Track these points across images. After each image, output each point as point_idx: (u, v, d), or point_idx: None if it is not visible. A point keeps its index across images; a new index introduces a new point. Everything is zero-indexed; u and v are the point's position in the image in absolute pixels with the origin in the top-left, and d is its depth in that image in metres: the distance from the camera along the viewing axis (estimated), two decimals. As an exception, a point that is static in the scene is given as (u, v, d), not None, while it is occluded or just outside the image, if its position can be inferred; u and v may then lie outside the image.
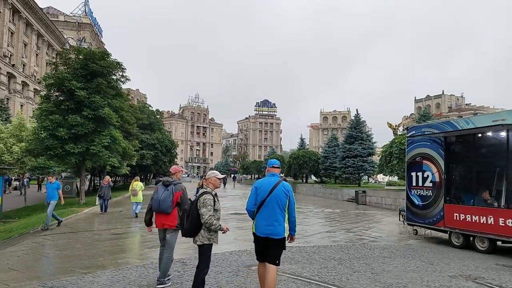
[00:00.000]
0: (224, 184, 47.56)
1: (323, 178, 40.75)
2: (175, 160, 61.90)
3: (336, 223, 14.81)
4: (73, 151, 17.71)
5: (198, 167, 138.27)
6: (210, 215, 4.72)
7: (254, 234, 4.86)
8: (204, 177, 8.12)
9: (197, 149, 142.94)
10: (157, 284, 5.69)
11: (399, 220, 14.63)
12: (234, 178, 66.06)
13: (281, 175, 5.70)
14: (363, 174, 33.36)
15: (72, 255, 8.40)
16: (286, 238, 4.80)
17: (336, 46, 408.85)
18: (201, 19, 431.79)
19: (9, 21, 50.95)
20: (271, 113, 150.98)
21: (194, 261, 7.67)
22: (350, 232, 12.55)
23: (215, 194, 4.91)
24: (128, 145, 23.30)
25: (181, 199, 5.83)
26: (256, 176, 64.92)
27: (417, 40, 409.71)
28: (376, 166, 29.76)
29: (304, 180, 44.32)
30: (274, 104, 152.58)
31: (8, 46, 50.80)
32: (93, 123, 18.32)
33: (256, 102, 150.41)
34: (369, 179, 44.10)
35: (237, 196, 30.81)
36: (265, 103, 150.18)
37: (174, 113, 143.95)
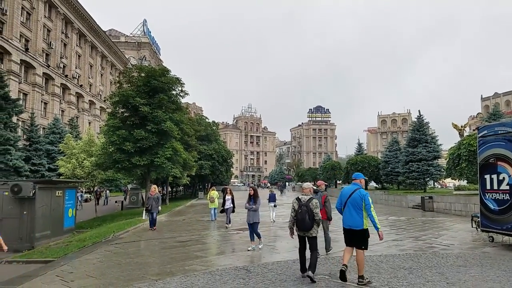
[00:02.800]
0: (281, 191, 47.55)
1: (385, 184, 39.10)
2: (231, 169, 63.15)
3: (403, 231, 14.07)
4: (138, 164, 18.76)
5: (253, 176, 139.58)
6: (319, 214, 6.75)
7: (343, 227, 6.65)
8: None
9: (251, 158, 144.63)
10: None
11: (472, 226, 13.56)
12: (283, 187, 63.70)
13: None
14: (428, 179, 31.42)
15: (142, 262, 8.81)
16: (374, 232, 6.45)
17: (394, 45, 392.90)
18: (248, 26, 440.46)
19: (76, 45, 55.65)
20: (324, 119, 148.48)
21: (257, 268, 7.69)
22: (418, 240, 11.85)
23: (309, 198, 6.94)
24: (188, 156, 24.19)
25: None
26: (312, 183, 64.13)
27: (479, 37, 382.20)
28: (443, 170, 27.91)
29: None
30: (328, 109, 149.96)
31: (76, 68, 55.43)
32: (156, 137, 19.28)
33: (309, 109, 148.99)
34: (435, 184, 41.43)
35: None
36: (318, 109, 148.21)
37: (228, 123, 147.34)
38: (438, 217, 19.33)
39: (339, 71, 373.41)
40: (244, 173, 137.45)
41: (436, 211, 22.82)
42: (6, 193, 11.86)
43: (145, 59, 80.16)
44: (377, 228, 6.32)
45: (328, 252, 9.20)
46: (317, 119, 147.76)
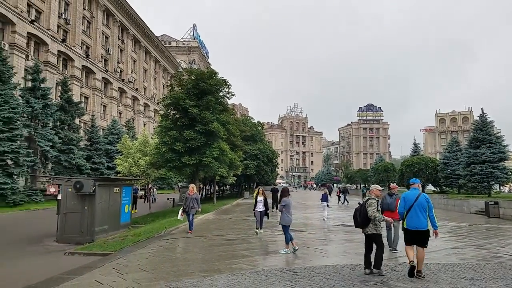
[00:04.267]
0: (330, 193, 46.39)
1: (443, 187, 37.11)
2: (276, 169, 63.23)
3: (464, 238, 13.24)
4: (188, 163, 19.46)
5: (299, 177, 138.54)
6: (373, 211, 7.13)
7: (404, 228, 7.24)
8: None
9: (297, 159, 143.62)
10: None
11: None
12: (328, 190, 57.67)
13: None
14: (493, 182, 29.31)
15: (191, 258, 9.15)
16: (432, 232, 7.18)
17: (453, 37, 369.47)
18: (293, 22, 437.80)
19: (132, 51, 58.71)
20: (376, 117, 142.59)
21: (304, 271, 7.67)
22: (481, 248, 11.07)
23: (377, 200, 7.45)
24: (234, 156, 24.63)
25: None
26: (363, 185, 62.11)
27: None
28: (510, 173, 25.92)
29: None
30: (380, 108, 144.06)
31: (131, 72, 58.49)
32: (204, 137, 19.88)
33: (359, 107, 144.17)
34: (502, 188, 38.52)
35: (343, 207, 29.94)
36: (369, 107, 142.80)
37: (273, 124, 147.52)
38: (504, 224, 17.99)
39: (392, 67, 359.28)
40: (290, 173, 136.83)
41: (502, 217, 21.19)
42: (70, 190, 12.81)
43: (195, 63, 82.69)
44: (436, 227, 7.17)
45: (391, 250, 9.95)
46: (368, 117, 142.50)
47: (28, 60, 32.59)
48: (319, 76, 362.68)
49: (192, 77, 22.25)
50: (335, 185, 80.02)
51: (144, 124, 60.68)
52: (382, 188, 8.23)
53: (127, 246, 10.91)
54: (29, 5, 33.84)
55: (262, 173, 45.64)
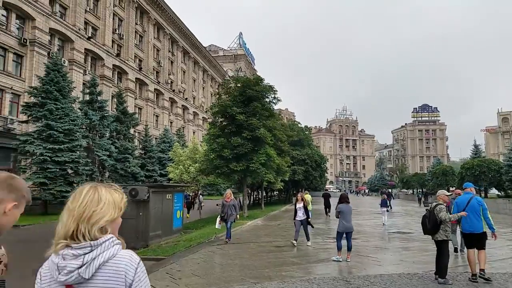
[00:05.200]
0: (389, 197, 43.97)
1: (509, 191, 34.30)
2: (326, 175, 61.99)
3: (531, 246, 12.10)
4: (236, 169, 19.64)
5: (350, 182, 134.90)
6: (446, 215, 7.03)
7: (461, 232, 7.61)
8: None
9: (347, 163, 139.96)
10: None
11: None
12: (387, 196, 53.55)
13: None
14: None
15: (241, 264, 9.13)
16: (490, 235, 7.15)
17: None
18: (340, 23, 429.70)
19: (181, 62, 60.89)
20: (432, 118, 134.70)
21: (357, 280, 7.35)
22: (552, 258, 10.05)
23: (446, 206, 7.37)
24: (281, 161, 24.49)
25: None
26: (419, 190, 59.00)
27: None
28: None
29: (483, 194, 38.14)
30: (436, 108, 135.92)
31: (181, 83, 60.61)
32: (251, 143, 19.96)
33: (414, 108, 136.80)
34: None
35: (398, 213, 28.60)
36: (424, 108, 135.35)
37: (321, 128, 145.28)
38: None
39: (448, 65, 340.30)
40: (340, 178, 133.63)
41: None
42: (125, 196, 13.38)
43: (241, 70, 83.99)
44: (493, 229, 7.13)
45: (457, 253, 9.97)
46: (423, 118, 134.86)
47: (85, 74, 34.92)
48: (368, 78, 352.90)
49: (239, 85, 22.53)
50: (389, 190, 76.88)
51: (194, 132, 62.49)
52: (449, 194, 8.28)
53: (179, 251, 11.14)
54: (86, 23, 36.32)
55: (310, 178, 44.96)
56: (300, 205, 12.10)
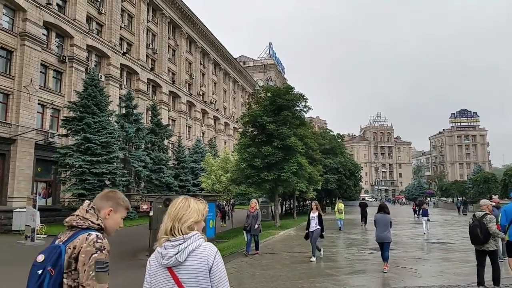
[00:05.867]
0: (421, 205, 41.79)
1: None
2: (360, 183, 60.60)
3: None
4: (267, 178, 19.54)
5: (386, 191, 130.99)
6: (495, 228, 6.92)
7: (508, 241, 7.12)
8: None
9: (382, 171, 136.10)
10: None
11: None
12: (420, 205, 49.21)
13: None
14: None
15: (274, 275, 8.97)
16: None
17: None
18: (372, 30, 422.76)
19: (212, 74, 61.99)
20: (471, 123, 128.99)
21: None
22: None
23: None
24: (313, 170, 24.15)
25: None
26: (459, 198, 56.26)
27: None
28: None
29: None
30: (475, 113, 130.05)
31: (212, 94, 61.61)
32: (282, 152, 19.83)
33: (451, 113, 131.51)
34: None
35: (437, 223, 27.36)
36: (463, 112, 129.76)
37: (354, 135, 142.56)
38: None
39: (485, 66, 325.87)
40: (375, 187, 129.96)
41: None
42: (160, 206, 13.61)
43: (271, 80, 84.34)
44: None
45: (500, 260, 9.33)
46: (462, 124, 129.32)
47: (121, 89, 36.21)
48: (402, 83, 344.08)
49: (269, 94, 22.56)
50: (428, 198, 73.95)
51: (225, 142, 63.08)
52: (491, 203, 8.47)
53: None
54: (121, 39, 37.79)
55: (344, 187, 44.09)
56: (314, 214, 11.06)
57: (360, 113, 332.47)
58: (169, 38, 48.05)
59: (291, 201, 36.25)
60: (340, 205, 21.91)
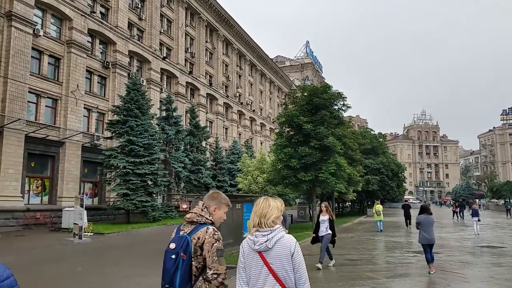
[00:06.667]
0: (461, 207, 36.27)
1: None
2: (404, 184, 58.39)
3: None
4: (304, 179, 19.26)
5: (431, 192, 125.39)
6: None
7: None
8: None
9: (428, 172, 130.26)
10: None
11: None
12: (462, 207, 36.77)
13: None
14: None
15: (312, 277, 8.74)
16: None
17: None
18: (411, 22, 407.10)
19: (249, 75, 62.34)
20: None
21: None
22: None
23: None
24: (352, 171, 23.53)
25: None
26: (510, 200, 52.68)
27: None
28: None
29: None
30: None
31: (249, 95, 61.94)
32: (319, 152, 19.47)
33: (503, 110, 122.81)
34: None
35: (487, 226, 25.78)
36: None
37: (397, 134, 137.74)
38: None
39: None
40: (420, 188, 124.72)
41: None
42: (198, 206, 13.82)
43: (308, 79, 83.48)
44: None
45: None
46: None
47: (162, 92, 37.30)
48: (446, 79, 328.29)
49: (305, 94, 22.24)
50: (477, 200, 69.89)
51: (261, 143, 63.22)
52: None
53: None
54: (161, 44, 38.92)
55: (386, 188, 42.61)
56: (324, 217, 10.00)
57: (403, 112, 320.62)
58: (206, 42, 48.91)
59: (330, 202, 35.58)
60: (378, 207, 21.85)
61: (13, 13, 22.04)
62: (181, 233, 2.71)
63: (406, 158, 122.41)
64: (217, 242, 2.63)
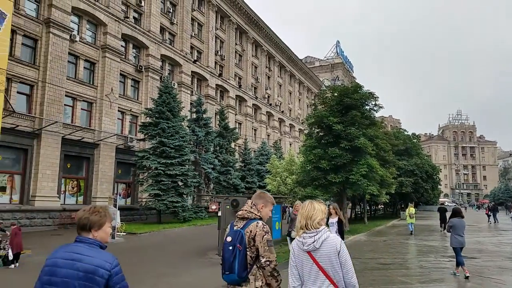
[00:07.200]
0: (494, 210, 35.51)
1: None
2: (439, 187, 56.30)
3: None
4: (334, 181, 18.94)
5: (468, 195, 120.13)
6: None
7: None
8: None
9: (464, 174, 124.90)
10: None
11: None
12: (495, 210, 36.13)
13: None
14: None
15: (342, 281, 8.57)
16: None
17: None
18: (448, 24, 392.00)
19: (278, 76, 62.19)
20: None
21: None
22: None
23: None
24: (385, 172, 22.90)
25: None
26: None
27: None
28: None
29: None
30: None
31: (277, 96, 61.77)
32: (350, 154, 19.09)
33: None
34: None
35: (492, 226, 24.36)
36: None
37: (432, 135, 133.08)
38: None
39: None
40: (456, 191, 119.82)
41: None
42: (228, 207, 13.89)
43: (338, 79, 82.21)
44: None
45: None
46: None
47: (192, 95, 37.88)
48: (486, 76, 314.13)
49: (335, 94, 21.90)
50: (493, 203, 66.33)
51: (290, 144, 62.84)
52: None
53: (279, 263, 11.00)
54: (191, 47, 39.57)
55: (421, 191, 41.18)
56: (333, 220, 9.01)
57: (437, 112, 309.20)
58: (236, 44, 49.27)
59: (361, 205, 34.80)
60: (411, 209, 21.84)
61: (51, 20, 23.08)
62: (234, 228, 3.14)
63: (441, 160, 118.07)
64: (267, 234, 3.04)
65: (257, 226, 3.05)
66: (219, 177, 33.21)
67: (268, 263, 2.98)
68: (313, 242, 2.75)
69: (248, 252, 3.00)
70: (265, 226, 3.07)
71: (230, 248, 3.01)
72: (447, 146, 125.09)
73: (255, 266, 3.02)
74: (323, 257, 2.74)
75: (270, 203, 3.33)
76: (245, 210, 3.20)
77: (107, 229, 2.37)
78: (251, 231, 3.03)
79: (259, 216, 3.17)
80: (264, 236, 3.01)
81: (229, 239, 3.07)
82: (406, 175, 36.37)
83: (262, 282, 3.00)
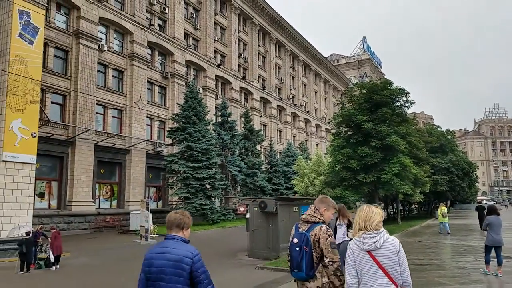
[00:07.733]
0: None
1: None
2: (475, 184, 53.96)
3: None
4: (365, 181, 18.49)
5: (508, 192, 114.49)
6: None
7: None
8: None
9: (503, 170, 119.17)
10: None
11: None
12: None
13: None
14: None
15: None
16: None
17: None
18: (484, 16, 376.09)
19: (302, 76, 61.64)
20: None
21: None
22: None
23: None
24: (419, 171, 22.12)
25: None
26: None
27: None
28: None
29: None
30: None
31: (302, 96, 61.23)
32: (381, 152, 18.58)
33: None
34: None
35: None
36: None
37: (467, 130, 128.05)
38: None
39: None
40: (495, 188, 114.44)
41: None
42: (256, 209, 13.83)
43: (366, 76, 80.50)
44: None
45: None
46: None
47: (217, 99, 38.20)
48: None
49: (364, 91, 21.39)
50: None
51: (317, 145, 62.07)
52: None
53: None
54: (215, 52, 39.94)
55: (457, 189, 39.57)
56: (342, 222, 8.42)
57: (472, 107, 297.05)
58: (259, 46, 49.29)
59: (394, 205, 33.81)
60: (443, 209, 21.22)
61: (80, 31, 23.91)
62: (299, 230, 3.44)
63: (478, 156, 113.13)
64: (330, 237, 3.34)
65: (321, 229, 3.33)
66: (246, 179, 33.25)
67: (331, 263, 3.26)
68: (375, 242, 2.92)
69: (313, 253, 3.30)
70: (328, 230, 3.36)
71: (297, 249, 3.32)
72: (484, 141, 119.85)
73: (320, 265, 3.32)
74: (383, 256, 2.91)
75: (332, 207, 3.57)
76: (309, 214, 3.48)
77: (189, 228, 3.03)
78: (315, 234, 3.31)
79: (322, 219, 3.43)
80: (328, 239, 3.31)
81: (295, 240, 3.38)
82: (441, 173, 35.00)
83: (328, 279, 3.29)
